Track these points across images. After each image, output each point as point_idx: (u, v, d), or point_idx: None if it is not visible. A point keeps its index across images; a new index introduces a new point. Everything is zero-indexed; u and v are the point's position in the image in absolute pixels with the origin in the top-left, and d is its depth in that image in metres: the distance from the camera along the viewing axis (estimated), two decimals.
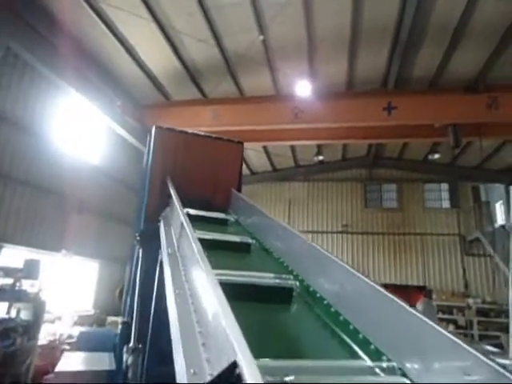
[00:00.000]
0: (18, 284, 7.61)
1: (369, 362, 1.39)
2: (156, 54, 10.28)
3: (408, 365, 1.28)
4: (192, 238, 1.85)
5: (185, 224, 2.12)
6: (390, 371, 1.30)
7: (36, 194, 8.99)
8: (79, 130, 10.88)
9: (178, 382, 1.15)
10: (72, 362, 3.10)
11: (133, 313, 3.47)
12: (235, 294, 1.43)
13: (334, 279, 1.86)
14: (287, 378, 1.13)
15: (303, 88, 11.05)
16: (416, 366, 1.25)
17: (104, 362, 3.14)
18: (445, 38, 9.32)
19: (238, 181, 4.32)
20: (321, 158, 15.89)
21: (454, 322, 14.15)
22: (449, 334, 1.17)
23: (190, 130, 4.38)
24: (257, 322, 1.73)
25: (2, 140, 8.05)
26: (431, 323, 1.23)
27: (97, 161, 11.56)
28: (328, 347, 1.62)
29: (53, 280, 9.21)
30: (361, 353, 1.49)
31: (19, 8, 7.65)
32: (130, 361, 2.92)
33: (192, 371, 1.11)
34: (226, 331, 0.97)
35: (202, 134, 4.42)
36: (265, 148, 15.76)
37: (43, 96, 9.26)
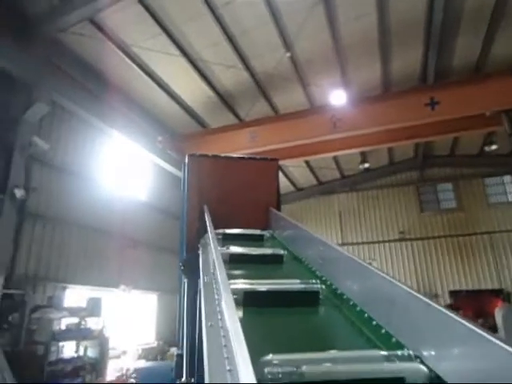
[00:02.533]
0: (82, 323, 7.93)
1: (386, 352, 1.42)
2: (189, 87, 10.63)
3: (425, 353, 1.33)
4: (219, 272, 1.74)
5: (214, 255, 2.03)
6: (407, 359, 1.36)
7: (92, 235, 9.45)
8: (125, 169, 11.41)
9: None
10: None
11: (183, 345, 3.40)
12: (264, 301, 1.70)
13: (360, 281, 1.94)
14: (304, 367, 1.22)
15: (338, 97, 10.84)
16: (433, 353, 1.31)
17: None
18: (482, 21, 8.76)
19: (276, 199, 4.19)
20: (366, 165, 15.37)
21: None
22: (470, 325, 1.16)
23: (222, 154, 4.36)
24: (284, 323, 1.86)
25: (56, 186, 8.60)
26: (452, 315, 1.24)
27: (144, 196, 12.01)
28: (350, 340, 1.71)
29: (115, 316, 9.50)
30: (379, 343, 1.56)
31: (58, 61, 8.27)
32: None
33: None
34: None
35: (235, 156, 4.38)
36: (307, 162, 15.55)
37: (90, 142, 9.86)
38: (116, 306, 9.83)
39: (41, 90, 7.58)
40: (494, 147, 13.64)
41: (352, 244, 16.83)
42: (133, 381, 8.36)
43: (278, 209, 4.06)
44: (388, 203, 17.29)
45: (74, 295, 8.68)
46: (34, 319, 7.13)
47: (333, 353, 1.44)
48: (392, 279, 1.63)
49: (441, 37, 9.00)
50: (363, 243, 16.80)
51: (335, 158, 15.58)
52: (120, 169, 11.15)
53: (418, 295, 1.44)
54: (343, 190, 17.95)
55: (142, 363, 8.38)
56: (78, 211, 9.10)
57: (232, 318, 1.20)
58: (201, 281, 2.43)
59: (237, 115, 12.00)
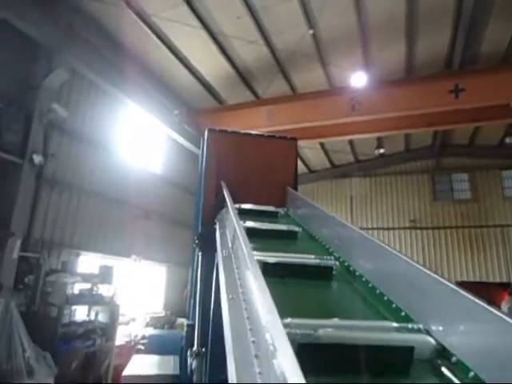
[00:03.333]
0: (94, 289, 8.15)
1: (397, 324, 1.51)
2: (208, 61, 10.49)
3: (433, 327, 1.42)
4: (244, 243, 1.76)
5: (236, 226, 2.05)
6: (415, 331, 1.46)
7: (106, 204, 9.61)
8: (141, 141, 11.46)
9: None
10: (139, 365, 3.17)
11: (196, 316, 3.48)
12: (281, 272, 1.77)
13: (373, 259, 2.01)
14: (318, 331, 1.30)
15: (359, 79, 10.60)
16: (441, 328, 1.39)
17: (169, 365, 3.18)
18: None
19: (293, 178, 4.18)
20: (382, 150, 15.09)
21: None
22: (476, 300, 1.22)
23: (242, 131, 4.34)
24: (300, 293, 1.98)
25: (74, 154, 8.70)
26: (460, 290, 1.31)
27: (159, 169, 12.09)
28: (362, 312, 1.78)
29: (125, 284, 9.75)
30: (389, 316, 1.64)
31: (79, 28, 8.21)
32: (194, 365, 2.91)
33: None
34: (276, 350, 0.85)
35: (255, 133, 4.35)
36: (322, 145, 15.39)
37: (107, 111, 9.89)
38: (127, 275, 10.06)
39: (62, 57, 7.54)
40: None
41: (362, 229, 16.73)
42: (141, 347, 8.65)
43: (295, 188, 4.06)
44: (401, 190, 17.11)
45: (87, 262, 8.90)
46: (49, 282, 7.34)
47: (346, 321, 1.52)
48: (405, 257, 1.69)
49: (471, 21, 8.65)
50: (373, 229, 16.74)
51: (350, 142, 15.38)
52: (136, 140, 11.20)
53: (429, 272, 1.51)
54: (356, 174, 17.78)
55: (151, 331, 8.63)
56: (94, 180, 9.23)
57: (262, 289, 1.21)
58: (219, 255, 2.46)
59: (254, 92, 11.84)
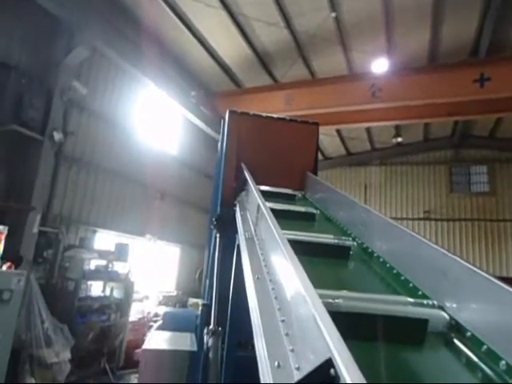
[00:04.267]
0: (110, 265, 8.35)
1: (412, 299, 1.57)
2: (227, 43, 10.36)
3: (448, 304, 1.47)
4: (271, 222, 1.77)
5: (262, 207, 2.05)
6: (430, 306, 1.51)
7: (123, 183, 9.72)
8: (158, 122, 11.48)
9: (261, 373, 1.06)
10: (157, 341, 3.26)
11: (212, 296, 3.53)
12: (302, 250, 1.69)
13: (390, 240, 2.07)
14: (338, 300, 1.37)
15: (380, 65, 10.37)
16: (455, 305, 1.44)
17: (186, 342, 3.25)
18: None
19: (313, 163, 4.15)
20: (399, 139, 14.86)
21: None
22: (491, 277, 1.26)
23: (263, 114, 4.30)
24: (320, 269, 2.03)
25: (92, 132, 8.78)
26: (475, 268, 1.35)
27: (175, 151, 12.14)
28: (379, 288, 1.82)
29: (140, 262, 9.94)
30: (405, 293, 1.69)
31: (99, 6, 8.18)
32: (210, 343, 2.97)
33: (276, 364, 1.02)
34: (317, 324, 0.85)
35: (276, 116, 4.31)
36: (338, 131, 15.20)
37: (126, 91, 9.91)
38: (141, 254, 10.25)
39: (83, 35, 7.54)
40: None
41: None
42: (153, 324, 8.87)
43: (315, 173, 4.03)
44: (416, 181, 16.87)
45: (103, 239, 9.08)
46: (67, 257, 7.55)
47: (365, 294, 1.60)
48: (422, 238, 1.77)
49: (501, 7, 8.33)
50: None
51: (368, 130, 15.15)
52: (153, 121, 11.23)
53: (445, 252, 1.57)
54: (372, 162, 17.56)
55: (164, 308, 8.82)
56: (112, 159, 9.32)
57: (297, 267, 1.23)
58: (241, 236, 2.48)
59: (272, 76, 11.70)
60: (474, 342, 1.28)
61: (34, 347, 5.76)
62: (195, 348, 3.17)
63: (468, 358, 1.26)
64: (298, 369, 0.93)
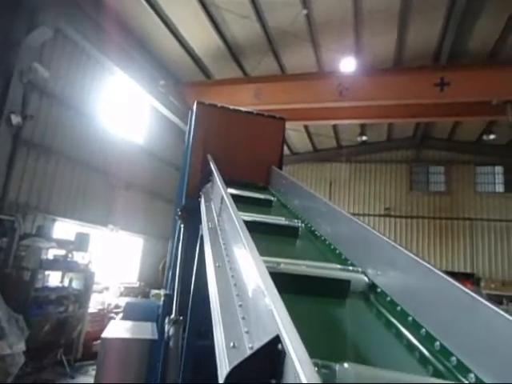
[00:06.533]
0: (69, 255, 8.10)
1: (341, 266, 1.96)
2: (198, 32, 10.23)
3: (370, 271, 1.83)
4: (233, 211, 1.82)
5: (225, 198, 2.10)
6: (355, 272, 1.88)
7: (85, 171, 9.42)
8: (124, 110, 11.18)
9: (217, 354, 1.12)
10: (118, 329, 3.24)
11: (174, 286, 3.54)
12: (257, 229, 2.14)
13: (333, 223, 2.46)
14: (282, 265, 1.72)
15: (348, 64, 10.61)
16: (376, 271, 1.81)
17: (147, 331, 3.25)
18: (506, 6, 8.50)
19: (279, 157, 4.23)
20: (364, 138, 15.32)
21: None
22: (404, 250, 1.60)
23: (231, 106, 4.32)
24: (270, 243, 2.35)
25: (53, 118, 8.42)
26: (392, 242, 1.70)
27: (141, 140, 11.89)
28: (317, 258, 2.16)
29: (101, 253, 9.70)
30: (337, 262, 2.06)
31: None
32: (171, 331, 3.00)
33: (232, 344, 1.08)
34: (267, 305, 0.91)
35: (244, 110, 4.35)
36: (306, 127, 15.44)
37: (90, 76, 9.56)
38: (103, 244, 10.01)
39: (46, 14, 7.20)
40: (492, 137, 13.74)
41: None
42: (113, 315, 8.72)
43: (280, 168, 4.12)
44: (379, 178, 17.48)
45: (63, 228, 8.78)
46: (23, 246, 7.24)
47: (303, 261, 1.92)
48: (357, 220, 2.14)
49: (462, 16, 8.75)
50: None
51: (334, 127, 15.50)
52: (119, 109, 10.91)
53: (374, 231, 1.91)
54: (337, 159, 17.99)
55: (125, 299, 8.67)
56: (73, 146, 9.00)
57: (247, 239, 1.44)
58: (204, 226, 2.51)
59: (243, 69, 11.68)
60: (383, 296, 1.68)
61: None
62: (156, 337, 3.19)
63: (378, 309, 1.66)
64: (251, 348, 0.99)
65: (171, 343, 2.93)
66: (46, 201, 8.33)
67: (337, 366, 0.90)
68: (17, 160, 7.51)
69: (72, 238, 8.37)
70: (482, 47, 10.11)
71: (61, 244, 8.05)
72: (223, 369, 0.95)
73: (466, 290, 1.21)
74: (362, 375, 0.93)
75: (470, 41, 9.97)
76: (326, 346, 1.19)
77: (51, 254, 7.88)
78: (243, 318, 1.18)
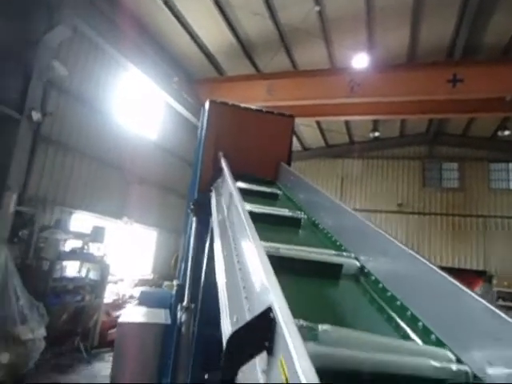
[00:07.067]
0: (86, 247, 8.40)
1: (336, 252, 2.19)
2: (211, 29, 10.37)
3: (362, 257, 2.07)
4: (239, 202, 1.98)
5: (233, 190, 2.26)
6: (348, 257, 2.13)
7: (101, 167, 9.70)
8: (138, 106, 11.42)
9: (222, 327, 1.28)
10: (134, 314, 3.44)
11: (186, 276, 3.73)
12: (262, 220, 2.40)
13: (334, 216, 2.70)
14: (281, 250, 1.94)
15: (360, 60, 10.62)
16: (368, 257, 2.03)
17: (161, 316, 3.45)
18: None
19: (287, 154, 4.37)
20: (377, 134, 15.30)
21: None
22: (392, 238, 1.84)
23: (242, 105, 4.46)
24: (274, 232, 2.51)
25: (70, 115, 8.69)
26: (383, 232, 1.93)
27: (155, 136, 12.13)
28: (315, 245, 2.38)
29: (116, 245, 10.00)
30: (332, 248, 2.34)
31: None
32: (183, 318, 3.19)
33: (235, 319, 1.23)
34: (263, 282, 1.06)
35: (254, 108, 4.48)
36: (318, 123, 15.48)
37: (105, 73, 9.79)
38: (118, 237, 10.30)
39: (63, 13, 7.42)
40: (506, 133, 13.58)
41: None
42: (129, 305, 9.00)
43: (289, 164, 4.25)
44: (391, 175, 17.41)
45: (79, 221, 9.08)
46: (42, 238, 7.55)
47: (301, 247, 2.17)
48: (354, 213, 2.38)
49: (477, 11, 8.69)
50: (360, 210, 17.10)
51: (347, 123, 15.49)
52: (133, 105, 11.16)
53: (368, 223, 2.12)
54: (349, 155, 17.97)
55: (141, 289, 8.94)
56: (89, 142, 9.27)
57: (250, 226, 1.62)
58: (214, 219, 2.68)
59: (255, 66, 11.79)
60: (374, 281, 1.89)
61: (9, 324, 5.82)
62: (169, 322, 3.38)
63: (365, 288, 1.89)
64: None
65: (183, 328, 3.11)
66: (64, 194, 8.63)
67: (319, 327, 1.07)
68: (36, 155, 7.80)
69: (88, 230, 8.66)
70: (497, 43, 10.00)
71: (77, 236, 8.36)
72: (226, 336, 1.11)
73: (444, 274, 1.35)
74: (340, 335, 1.08)
75: (484, 36, 9.87)
76: (313, 315, 1.34)
77: (68, 245, 8.19)
78: (246, 298, 1.34)
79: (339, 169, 18.15)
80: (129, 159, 10.40)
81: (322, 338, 1.05)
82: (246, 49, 11.08)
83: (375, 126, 14.99)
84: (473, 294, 1.21)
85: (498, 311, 1.15)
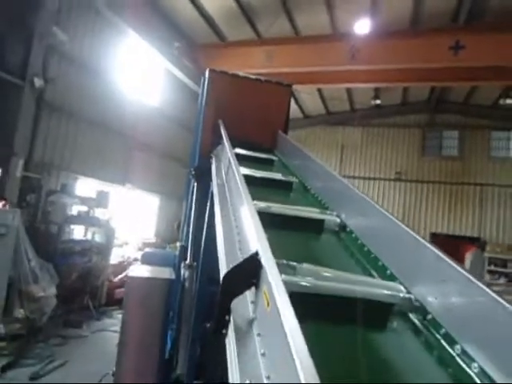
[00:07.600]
0: (91, 211, 8.70)
1: (320, 210, 2.50)
2: None
3: (343, 214, 2.36)
4: (235, 166, 2.20)
5: (230, 156, 2.47)
6: (330, 214, 2.44)
7: (104, 133, 9.84)
8: (140, 72, 11.38)
9: (221, 270, 1.52)
10: (140, 271, 3.74)
11: (189, 237, 4.00)
12: (257, 183, 2.71)
13: (322, 180, 2.96)
14: (273, 207, 2.24)
15: (362, 26, 10.46)
16: (346, 215, 2.35)
17: (166, 273, 3.76)
18: None
19: (284, 123, 4.52)
20: (378, 101, 15.23)
21: (506, 275, 13.84)
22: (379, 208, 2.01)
23: (241, 73, 4.56)
24: (267, 193, 2.69)
25: (72, 81, 8.73)
26: (369, 199, 2.14)
27: (157, 102, 12.15)
28: (304, 204, 2.71)
29: (120, 210, 10.32)
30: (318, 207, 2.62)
31: None
32: (186, 274, 3.48)
33: (231, 266, 1.48)
34: (253, 233, 1.30)
35: (252, 77, 4.59)
36: (319, 91, 15.37)
37: (106, 39, 9.72)
38: (121, 202, 10.61)
39: None
40: (508, 101, 13.51)
41: (348, 177, 17.34)
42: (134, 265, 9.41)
43: (285, 132, 4.42)
44: (391, 143, 17.46)
45: (84, 186, 9.34)
46: (49, 202, 7.83)
47: (289, 205, 2.45)
48: (343, 179, 2.62)
49: None
50: (359, 178, 17.33)
51: (348, 90, 15.37)
52: (135, 71, 11.12)
53: (352, 188, 2.38)
54: (350, 123, 17.94)
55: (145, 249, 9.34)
56: (92, 108, 9.35)
57: (243, 186, 1.87)
58: (214, 183, 2.90)
59: (256, 31, 11.60)
60: (352, 237, 2.15)
61: (22, 283, 6.20)
62: (173, 277, 3.69)
63: (347, 245, 2.14)
64: None
65: (186, 284, 3.41)
66: (69, 160, 8.83)
67: (297, 265, 1.32)
68: (41, 121, 7.93)
69: (93, 195, 8.94)
70: (503, 6, 9.79)
71: (83, 201, 8.64)
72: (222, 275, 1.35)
73: (407, 229, 1.59)
74: (314, 270, 1.34)
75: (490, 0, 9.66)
76: (295, 258, 1.59)
77: (75, 209, 8.48)
78: (240, 249, 1.58)
79: (339, 137, 18.17)
80: (131, 126, 10.51)
81: (299, 272, 1.31)
82: (247, 13, 10.88)
83: (377, 93, 14.90)
84: (427, 244, 1.45)
85: (448, 259, 1.39)
